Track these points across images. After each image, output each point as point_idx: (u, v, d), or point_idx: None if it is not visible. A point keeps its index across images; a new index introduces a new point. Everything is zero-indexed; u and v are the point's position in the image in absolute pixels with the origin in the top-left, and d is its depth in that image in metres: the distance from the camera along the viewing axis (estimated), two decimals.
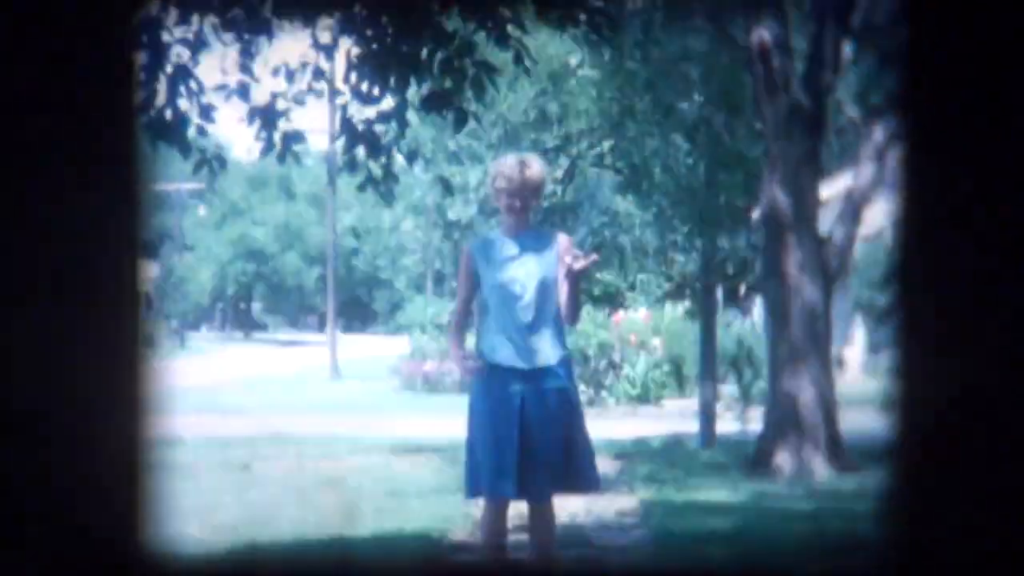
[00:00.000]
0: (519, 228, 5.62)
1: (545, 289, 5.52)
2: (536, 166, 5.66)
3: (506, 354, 5.46)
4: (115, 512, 1.87)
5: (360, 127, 8.61)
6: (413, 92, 8.42)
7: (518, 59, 8.20)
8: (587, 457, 5.55)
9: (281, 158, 8.79)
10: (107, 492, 1.86)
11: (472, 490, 5.66)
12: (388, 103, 8.42)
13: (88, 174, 1.84)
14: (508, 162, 5.66)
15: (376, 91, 8.23)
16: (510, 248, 5.58)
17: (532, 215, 5.72)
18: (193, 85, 7.52)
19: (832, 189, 17.38)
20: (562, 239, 5.72)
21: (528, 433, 5.36)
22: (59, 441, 1.85)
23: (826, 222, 11.71)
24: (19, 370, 1.84)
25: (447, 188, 10.03)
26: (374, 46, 7.97)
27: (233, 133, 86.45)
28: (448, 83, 7.98)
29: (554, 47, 17.13)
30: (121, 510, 1.87)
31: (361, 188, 8.82)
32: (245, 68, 8.39)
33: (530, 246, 5.58)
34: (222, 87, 8.51)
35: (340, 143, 8.48)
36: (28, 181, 1.84)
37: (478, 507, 8.72)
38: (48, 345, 1.85)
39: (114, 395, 1.87)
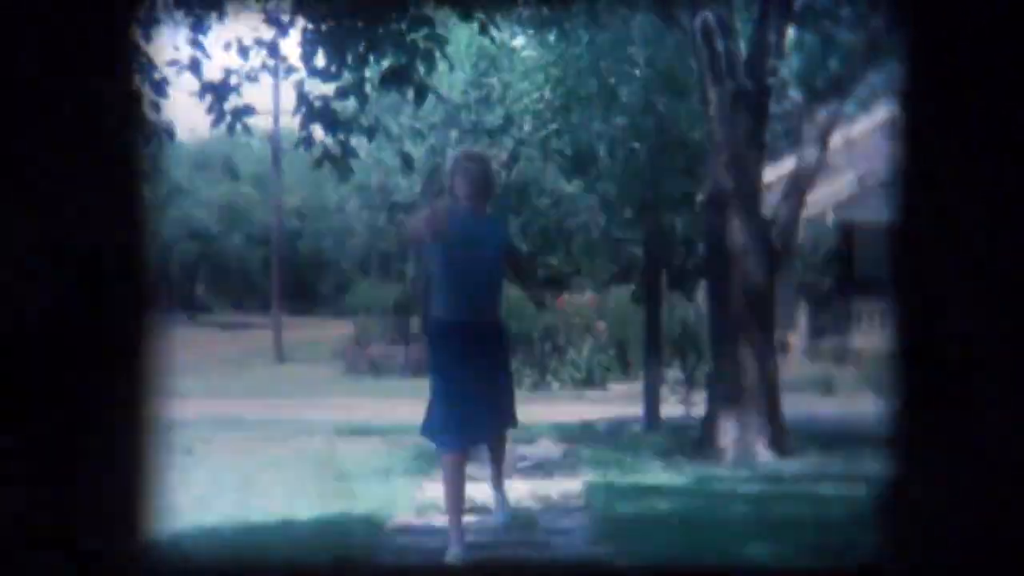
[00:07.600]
0: (479, 213, 6.65)
1: (498, 265, 6.70)
2: (480, 165, 6.76)
3: (464, 308, 6.49)
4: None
5: (317, 104, 8.56)
6: (371, 69, 8.39)
7: (483, 30, 8.21)
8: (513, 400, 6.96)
9: (231, 129, 8.74)
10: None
11: (438, 437, 6.60)
12: (345, 80, 8.38)
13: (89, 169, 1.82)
14: (459, 164, 6.75)
15: (334, 68, 8.18)
16: (475, 228, 6.55)
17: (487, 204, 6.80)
18: (144, 61, 7.44)
19: (776, 172, 17.47)
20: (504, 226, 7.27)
21: (478, 383, 6.52)
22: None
23: (770, 205, 11.75)
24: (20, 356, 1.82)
25: (408, 163, 9.95)
26: (329, 23, 7.92)
27: (176, 113, 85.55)
28: (402, 58, 7.96)
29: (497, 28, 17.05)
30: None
31: (318, 164, 8.74)
32: (196, 43, 8.33)
33: (489, 230, 6.70)
34: (174, 63, 8.44)
35: (294, 121, 8.44)
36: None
37: (421, 490, 8.73)
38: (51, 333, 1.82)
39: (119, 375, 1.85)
